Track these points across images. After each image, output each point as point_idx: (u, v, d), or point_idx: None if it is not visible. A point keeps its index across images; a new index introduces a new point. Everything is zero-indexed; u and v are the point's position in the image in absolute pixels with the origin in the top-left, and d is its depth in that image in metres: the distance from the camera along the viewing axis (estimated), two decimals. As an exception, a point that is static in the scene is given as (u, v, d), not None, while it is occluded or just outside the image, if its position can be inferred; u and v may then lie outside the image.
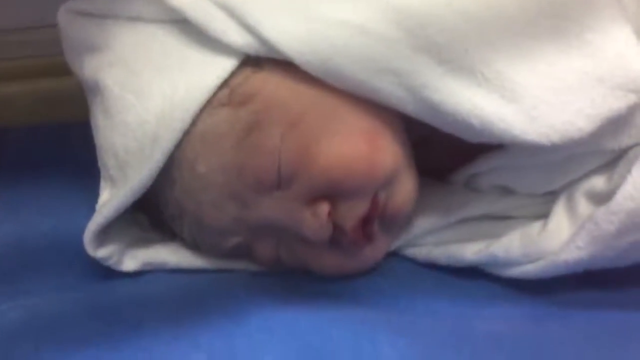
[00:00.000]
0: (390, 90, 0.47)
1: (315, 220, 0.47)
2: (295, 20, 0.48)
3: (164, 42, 0.51)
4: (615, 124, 0.46)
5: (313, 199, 0.47)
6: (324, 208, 0.47)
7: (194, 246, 0.53)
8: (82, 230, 0.49)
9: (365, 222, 0.49)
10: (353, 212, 0.48)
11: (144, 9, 0.52)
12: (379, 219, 0.50)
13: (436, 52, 0.46)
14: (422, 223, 0.54)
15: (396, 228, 0.53)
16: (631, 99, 0.45)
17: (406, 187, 0.50)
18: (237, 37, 0.48)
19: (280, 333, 0.43)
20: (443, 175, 0.56)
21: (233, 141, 0.48)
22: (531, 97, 0.45)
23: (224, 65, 0.49)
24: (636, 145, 0.46)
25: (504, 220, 0.53)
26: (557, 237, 0.48)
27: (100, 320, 0.47)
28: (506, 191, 0.54)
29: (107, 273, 0.52)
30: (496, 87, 0.45)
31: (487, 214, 0.54)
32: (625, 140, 0.46)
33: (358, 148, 0.47)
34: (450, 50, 0.46)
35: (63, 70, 0.58)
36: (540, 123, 0.44)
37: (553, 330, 0.44)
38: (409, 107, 0.47)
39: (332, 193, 0.47)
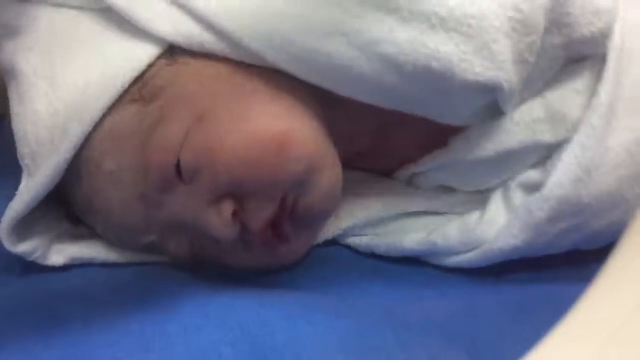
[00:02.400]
0: (342, 53, 0.43)
1: (220, 219, 0.45)
2: None
3: (83, 29, 0.49)
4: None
5: (218, 197, 0.45)
6: (228, 207, 0.45)
7: (110, 242, 0.51)
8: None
9: (274, 223, 0.46)
10: (260, 214, 0.45)
11: None
12: (292, 219, 0.47)
13: (383, 4, 0.43)
14: (362, 215, 0.54)
15: (315, 225, 0.51)
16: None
17: (321, 188, 0.47)
18: (165, 21, 0.47)
19: (216, 318, 0.42)
20: (387, 175, 0.57)
21: (140, 139, 0.46)
22: (490, 28, 0.43)
23: (141, 57, 0.46)
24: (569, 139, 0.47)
25: (444, 215, 0.54)
26: (494, 227, 0.49)
27: (28, 314, 0.45)
28: (447, 189, 0.54)
29: (34, 268, 0.50)
30: (452, 25, 0.42)
31: (428, 210, 0.54)
32: (562, 134, 0.47)
33: (265, 149, 0.44)
34: None
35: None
36: (501, 58, 0.43)
37: (486, 303, 0.44)
38: (365, 68, 0.44)
39: (238, 192, 0.45)
